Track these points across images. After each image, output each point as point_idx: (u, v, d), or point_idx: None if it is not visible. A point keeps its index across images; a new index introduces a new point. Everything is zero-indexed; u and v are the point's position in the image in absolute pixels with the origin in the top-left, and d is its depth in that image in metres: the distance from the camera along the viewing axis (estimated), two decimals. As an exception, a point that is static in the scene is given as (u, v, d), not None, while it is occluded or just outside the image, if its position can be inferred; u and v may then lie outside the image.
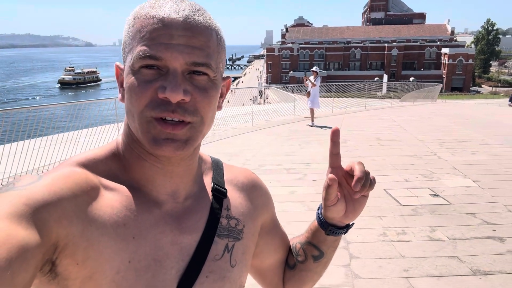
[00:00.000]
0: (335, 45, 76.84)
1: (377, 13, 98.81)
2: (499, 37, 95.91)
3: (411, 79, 40.84)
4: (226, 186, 0.72)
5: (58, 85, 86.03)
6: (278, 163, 6.38)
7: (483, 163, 6.10)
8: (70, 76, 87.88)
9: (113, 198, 0.58)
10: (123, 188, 0.60)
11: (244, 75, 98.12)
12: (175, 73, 0.54)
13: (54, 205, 0.50)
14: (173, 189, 0.63)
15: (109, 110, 7.80)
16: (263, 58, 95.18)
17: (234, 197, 0.72)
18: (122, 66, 0.61)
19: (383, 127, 10.10)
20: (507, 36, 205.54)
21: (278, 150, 7.56)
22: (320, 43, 78.10)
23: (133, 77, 0.55)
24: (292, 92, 16.99)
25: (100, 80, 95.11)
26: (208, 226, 0.65)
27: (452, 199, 4.49)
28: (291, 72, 70.68)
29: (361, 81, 25.92)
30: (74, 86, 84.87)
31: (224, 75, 0.64)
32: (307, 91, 10.52)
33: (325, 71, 69.95)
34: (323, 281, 2.87)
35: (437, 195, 4.63)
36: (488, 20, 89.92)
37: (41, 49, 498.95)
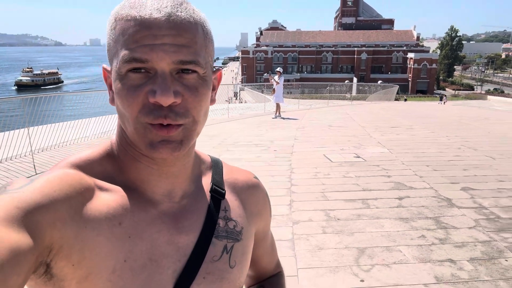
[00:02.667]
0: (308, 48, 79.69)
1: (348, 18, 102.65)
2: (462, 43, 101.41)
3: (379, 82, 43.44)
4: (225, 187, 0.71)
5: (14, 87, 79.94)
6: (249, 140, 8.24)
7: (401, 140, 8.16)
8: (28, 78, 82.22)
9: (109, 198, 0.58)
10: (118, 189, 0.59)
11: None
12: (164, 75, 0.53)
13: (47, 208, 0.50)
14: (168, 189, 0.63)
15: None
16: (238, 60, 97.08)
17: (232, 199, 0.71)
18: (109, 68, 0.59)
19: (337, 118, 12.17)
20: (471, 42, 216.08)
21: (249, 133, 9.42)
22: (293, 46, 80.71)
23: (121, 82, 0.54)
24: (262, 92, 18.94)
25: (62, 82, 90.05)
26: (205, 227, 0.64)
27: (368, 159, 6.46)
28: (265, 74, 72.70)
29: (332, 83, 27.87)
30: (32, 88, 78.46)
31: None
32: (273, 88, 12.45)
33: (298, 74, 72.57)
34: (271, 193, 4.72)
35: (359, 157, 6.59)
36: (452, 27, 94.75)
37: (8, 48, 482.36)
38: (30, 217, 0.48)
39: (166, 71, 0.53)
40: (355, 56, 76.03)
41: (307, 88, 25.76)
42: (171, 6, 0.54)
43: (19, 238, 0.45)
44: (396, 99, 29.70)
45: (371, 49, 76.69)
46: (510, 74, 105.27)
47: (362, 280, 2.85)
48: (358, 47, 77.91)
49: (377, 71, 75.32)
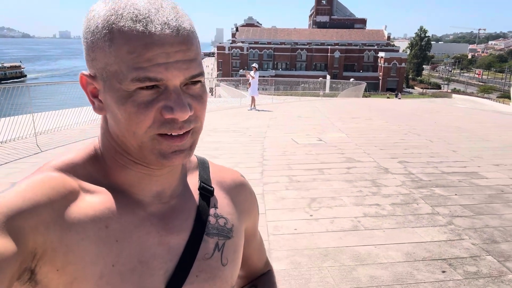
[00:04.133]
0: (283, 46, 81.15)
1: (322, 16, 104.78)
2: (431, 43, 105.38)
3: (351, 80, 45.24)
4: (213, 185, 0.71)
5: None
6: (226, 128, 9.29)
7: (359, 127, 9.43)
8: None
9: (94, 201, 0.57)
10: (104, 191, 0.59)
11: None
12: (177, 91, 0.53)
13: (30, 212, 0.49)
14: (158, 191, 0.63)
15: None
16: (213, 56, 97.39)
17: (221, 197, 0.71)
18: (91, 75, 0.57)
19: (306, 110, 13.39)
20: (440, 42, 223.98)
21: (227, 122, 10.47)
22: (269, 43, 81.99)
23: (129, 100, 0.53)
24: (236, 87, 19.99)
25: (25, 75, 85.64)
26: (196, 225, 0.64)
27: (328, 141, 7.65)
28: (241, 70, 73.65)
29: (306, 81, 28.92)
30: None
31: None
32: (248, 82, 13.55)
33: (274, 71, 73.90)
34: (246, 165, 5.79)
35: (321, 140, 7.77)
36: (421, 28, 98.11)
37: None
38: (12, 223, 0.47)
39: (178, 87, 0.54)
40: (329, 54, 78.04)
41: (282, 84, 26.78)
42: (174, 17, 0.53)
43: (1, 244, 0.45)
44: (365, 96, 31.45)
45: (344, 47, 78.90)
46: (475, 74, 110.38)
47: (311, 215, 3.97)
48: (332, 45, 79.95)
49: (349, 69, 77.57)
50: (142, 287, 0.57)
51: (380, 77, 74.06)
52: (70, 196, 0.55)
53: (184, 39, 0.53)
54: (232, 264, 0.68)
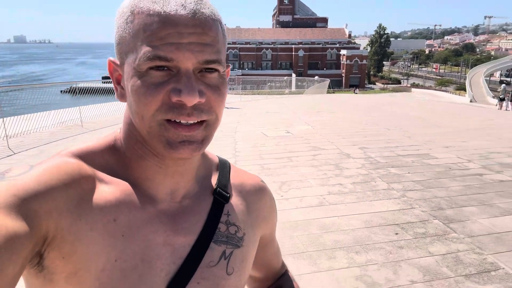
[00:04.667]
0: (248, 45, 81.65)
1: (285, 16, 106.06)
2: (390, 40, 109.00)
3: (316, 77, 46.30)
4: (231, 190, 0.69)
5: None
6: (197, 125, 9.61)
7: (324, 120, 9.99)
8: None
9: (107, 192, 0.57)
10: (119, 182, 0.58)
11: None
12: (188, 74, 0.52)
13: (44, 196, 0.49)
14: (172, 188, 0.62)
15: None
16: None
17: (237, 203, 0.69)
18: (117, 61, 0.58)
19: (274, 106, 13.91)
20: (398, 39, 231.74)
21: (197, 120, 10.78)
22: (234, 43, 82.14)
23: (140, 79, 0.52)
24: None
25: None
26: (205, 230, 0.63)
27: (296, 133, 8.13)
28: (207, 71, 73.04)
29: (273, 79, 29.37)
30: None
31: None
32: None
33: (240, 71, 74.23)
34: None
35: (289, 132, 8.24)
36: (380, 25, 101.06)
37: None
38: (27, 205, 0.47)
39: (190, 70, 0.52)
40: (293, 53, 79.28)
41: (249, 84, 27.14)
42: (195, 2, 0.53)
43: (16, 226, 0.45)
44: (329, 93, 32.46)
45: (308, 46, 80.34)
46: (433, 68, 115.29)
47: (282, 196, 4.39)
48: (296, 44, 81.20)
49: (313, 67, 79.05)
50: (141, 286, 0.56)
51: (343, 74, 75.97)
52: (85, 184, 0.55)
53: (200, 22, 0.52)
54: (239, 273, 0.65)
